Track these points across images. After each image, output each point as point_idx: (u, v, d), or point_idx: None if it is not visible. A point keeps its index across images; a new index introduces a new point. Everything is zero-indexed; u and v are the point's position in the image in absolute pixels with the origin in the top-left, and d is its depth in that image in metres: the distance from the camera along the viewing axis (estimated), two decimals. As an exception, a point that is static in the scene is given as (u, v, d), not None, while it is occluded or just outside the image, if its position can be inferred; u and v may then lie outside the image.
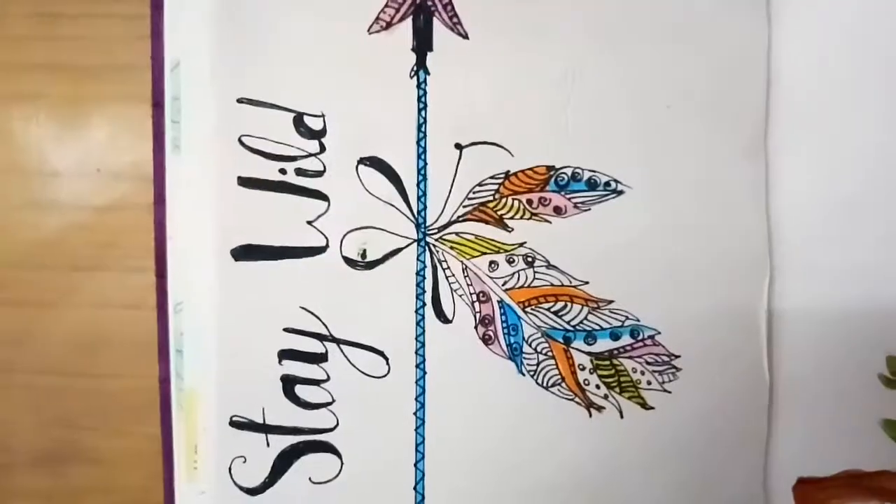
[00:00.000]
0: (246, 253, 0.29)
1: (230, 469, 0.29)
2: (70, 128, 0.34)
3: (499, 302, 0.31)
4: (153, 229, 0.33)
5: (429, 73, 0.30)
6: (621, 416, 0.32)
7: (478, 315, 0.31)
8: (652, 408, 0.32)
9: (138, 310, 0.34)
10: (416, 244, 0.30)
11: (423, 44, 0.30)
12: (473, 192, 0.31)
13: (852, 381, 0.32)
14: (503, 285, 0.31)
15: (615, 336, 0.32)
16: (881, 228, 0.32)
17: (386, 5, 0.30)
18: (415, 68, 0.30)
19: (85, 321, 0.34)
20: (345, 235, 0.30)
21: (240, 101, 0.29)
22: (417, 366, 0.30)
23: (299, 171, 0.30)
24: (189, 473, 0.31)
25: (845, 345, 0.32)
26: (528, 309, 0.31)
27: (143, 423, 0.34)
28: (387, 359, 0.30)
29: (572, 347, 0.32)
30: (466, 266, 0.31)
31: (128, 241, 0.34)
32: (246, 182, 0.29)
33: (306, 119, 0.30)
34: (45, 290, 0.34)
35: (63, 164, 0.35)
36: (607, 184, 0.31)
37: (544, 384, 0.31)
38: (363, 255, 0.30)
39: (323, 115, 0.30)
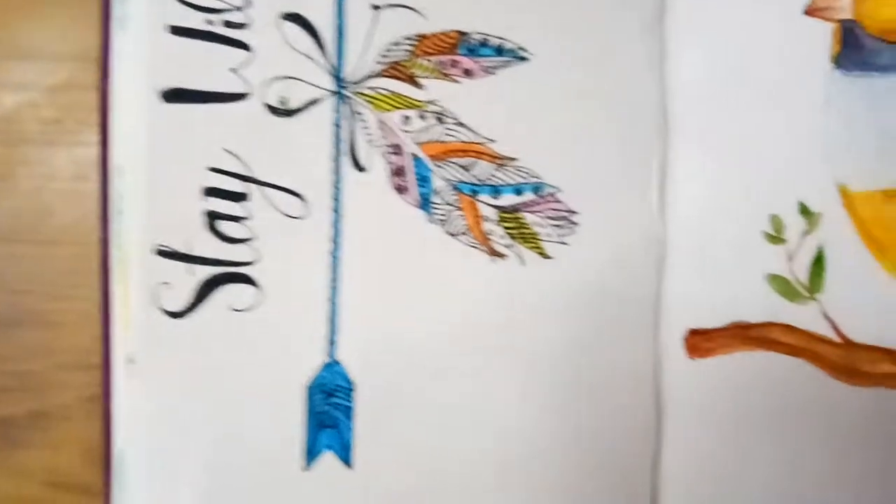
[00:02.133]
0: (175, 96, 0.32)
1: (156, 294, 0.31)
2: (22, 17, 0.36)
3: (411, 154, 0.34)
4: (98, 105, 0.35)
5: (347, -63, 0.33)
6: (522, 264, 0.34)
7: (392, 166, 0.34)
8: (551, 258, 0.35)
9: (83, 181, 0.36)
10: (333, 96, 0.33)
11: (342, -89, 0.33)
12: (388, 51, 0.33)
13: (740, 239, 0.35)
14: (415, 139, 0.34)
15: (519, 191, 0.34)
16: (769, 96, 0.35)
17: None
18: (334, -68, 0.33)
19: (33, 193, 0.36)
20: (266, 84, 0.32)
21: (171, -45, 0.32)
22: (334, 209, 0.33)
23: (226, 23, 0.32)
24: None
25: (733, 205, 0.35)
26: (438, 162, 0.34)
27: (86, 287, 0.36)
28: (305, 201, 0.33)
29: (479, 200, 0.34)
30: (381, 119, 0.33)
31: (75, 117, 0.36)
32: (176, 30, 0.32)
33: (233, -26, 0.32)
34: (-4, 164, 0.36)
35: (15, 49, 0.36)
36: (514, 51, 0.34)
37: (451, 232, 0.34)
38: (283, 103, 0.32)
39: (248, -28, 0.32)
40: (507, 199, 0.34)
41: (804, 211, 0.35)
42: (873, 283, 0.35)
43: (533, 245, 0.34)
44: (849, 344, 0.35)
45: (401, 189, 0.34)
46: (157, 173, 0.32)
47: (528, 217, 0.34)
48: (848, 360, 0.35)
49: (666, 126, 0.35)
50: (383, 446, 0.33)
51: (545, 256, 0.34)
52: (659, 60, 0.35)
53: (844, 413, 0.35)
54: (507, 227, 0.34)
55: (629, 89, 0.35)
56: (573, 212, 0.35)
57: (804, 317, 0.35)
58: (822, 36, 0.35)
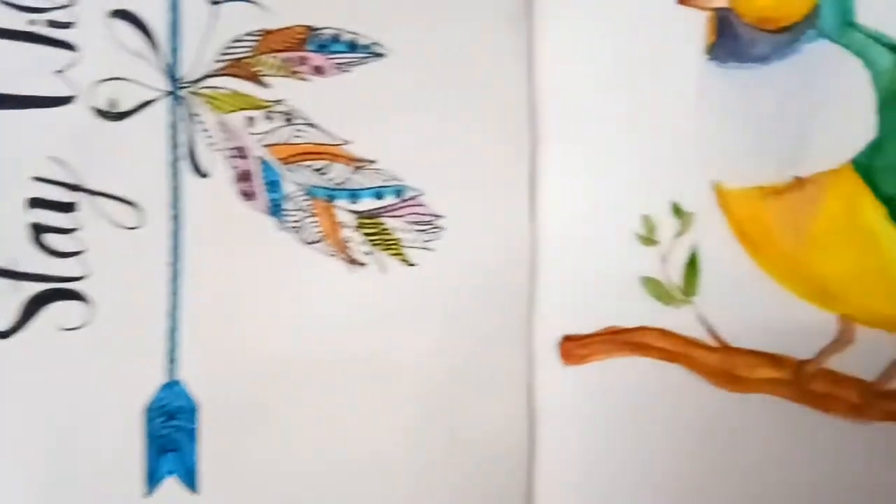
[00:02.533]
0: (-6, 101, 0.30)
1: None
2: None
3: (258, 158, 0.32)
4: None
5: (182, -73, 0.31)
6: (383, 272, 0.33)
7: (236, 170, 0.32)
8: (415, 264, 0.33)
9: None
10: (168, 97, 0.31)
11: None
12: (229, 48, 0.31)
13: (613, 241, 0.34)
14: (262, 142, 0.32)
15: (379, 195, 0.33)
16: (642, 91, 0.34)
17: None
18: (166, -78, 0.31)
19: None
20: (94, 86, 0.30)
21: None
22: (173, 218, 0.31)
23: (50, 23, 0.30)
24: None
25: (605, 205, 0.34)
26: (288, 166, 0.32)
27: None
28: (140, 210, 0.31)
29: (336, 205, 0.32)
30: (222, 121, 0.31)
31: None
32: (-5, 32, 0.30)
33: (55, -31, 0.30)
34: None
35: None
36: (369, 46, 0.32)
37: (306, 240, 0.32)
38: (113, 105, 0.30)
39: (71, -34, 0.30)
40: (367, 204, 0.33)
41: (677, 211, 0.33)
42: (750, 285, 0.33)
43: (395, 251, 0.33)
44: (726, 348, 0.33)
45: (247, 195, 0.32)
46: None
47: (390, 222, 0.33)
48: (725, 365, 0.34)
49: (535, 124, 0.34)
50: (232, 469, 0.31)
51: (408, 263, 0.33)
52: (527, 55, 0.34)
53: (723, 420, 0.34)
54: (366, 234, 0.33)
55: (496, 85, 0.33)
56: (438, 215, 0.33)
57: (680, 320, 0.34)
58: (696, 26, 0.33)
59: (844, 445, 0.33)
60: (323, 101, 0.32)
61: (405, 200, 0.33)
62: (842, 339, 0.33)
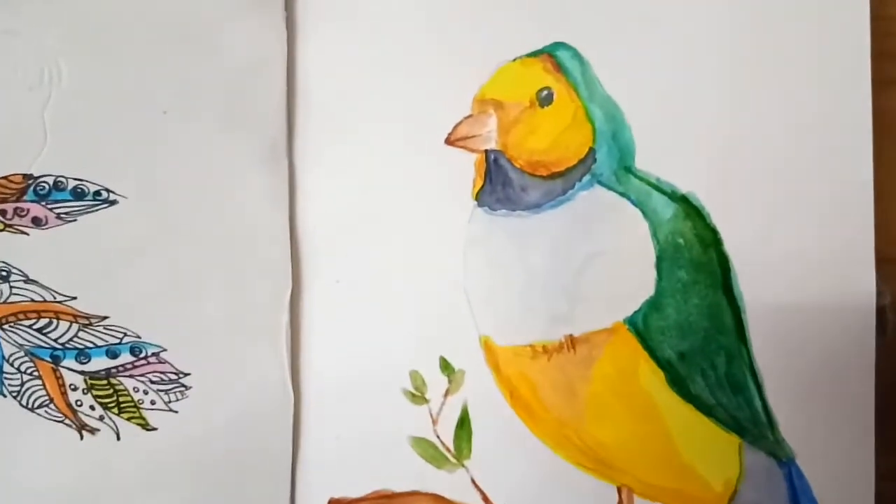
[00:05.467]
0: None
1: None
2: None
3: (-30, 320, 0.29)
4: None
5: None
6: (118, 439, 0.30)
7: (-55, 334, 0.29)
8: (155, 429, 0.30)
9: None
10: None
11: None
12: (-68, 203, 0.28)
13: (381, 398, 0.31)
14: (-26, 302, 0.29)
15: (113, 354, 0.30)
16: (410, 237, 0.31)
17: None
18: None
19: None
20: None
21: None
22: None
23: None
24: None
25: (372, 359, 0.31)
26: (6, 326, 0.29)
27: None
28: None
29: (62, 366, 0.30)
30: (-73, 282, 0.29)
31: None
32: None
33: None
34: None
35: None
36: (97, 193, 0.29)
37: (29, 406, 0.29)
38: None
39: None
40: (99, 364, 0.30)
41: (446, 367, 0.31)
42: (523, 451, 0.31)
43: (132, 415, 0.30)
44: (499, 517, 0.31)
45: (-41, 360, 0.29)
46: None
47: (126, 382, 0.30)
48: (499, 535, 0.31)
49: (296, 268, 0.31)
50: None
51: (147, 428, 0.30)
52: (286, 195, 0.31)
53: (498, 593, 0.31)
54: (98, 397, 0.30)
55: (250, 228, 0.31)
56: (183, 373, 0.30)
57: (453, 485, 0.31)
58: (465, 169, 0.31)
59: None
60: (43, 254, 0.29)
61: (143, 358, 0.30)
62: (620, 512, 0.30)
